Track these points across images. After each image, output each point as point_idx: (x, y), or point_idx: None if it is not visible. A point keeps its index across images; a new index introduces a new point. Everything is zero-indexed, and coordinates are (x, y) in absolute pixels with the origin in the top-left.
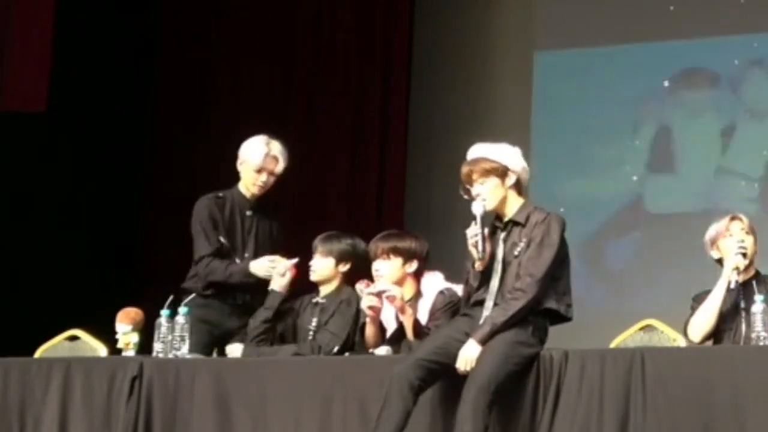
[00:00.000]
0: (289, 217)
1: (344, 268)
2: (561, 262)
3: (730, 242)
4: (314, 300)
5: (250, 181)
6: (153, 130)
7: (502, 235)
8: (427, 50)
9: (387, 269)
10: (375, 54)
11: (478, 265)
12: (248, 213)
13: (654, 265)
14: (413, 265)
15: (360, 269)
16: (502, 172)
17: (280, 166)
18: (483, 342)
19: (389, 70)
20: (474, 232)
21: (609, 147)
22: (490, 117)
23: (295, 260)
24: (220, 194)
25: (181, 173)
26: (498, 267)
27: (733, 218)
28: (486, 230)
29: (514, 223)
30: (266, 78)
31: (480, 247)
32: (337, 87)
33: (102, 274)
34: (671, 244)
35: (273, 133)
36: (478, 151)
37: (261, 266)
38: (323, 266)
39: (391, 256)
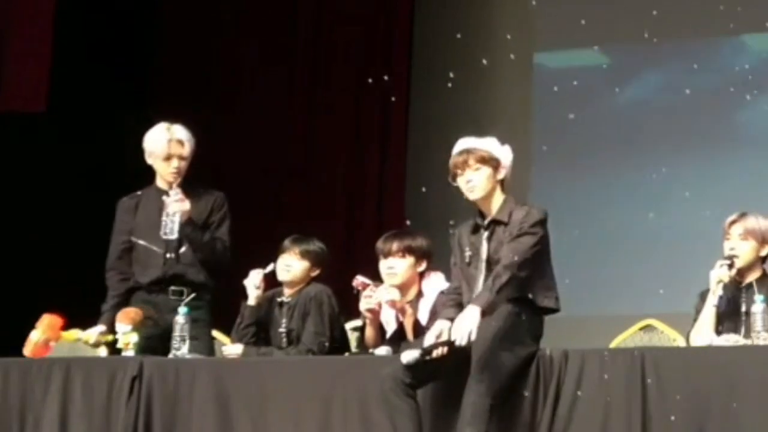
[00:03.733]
0: (290, 217)
1: (315, 272)
2: (544, 251)
3: (724, 246)
4: (279, 300)
5: (163, 172)
6: None
7: (486, 233)
8: (427, 50)
9: (402, 267)
10: (375, 54)
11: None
12: None
13: (655, 263)
14: (423, 265)
15: (324, 275)
16: (495, 164)
17: (186, 149)
18: (483, 306)
19: (389, 70)
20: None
21: (610, 147)
22: (490, 117)
23: (269, 269)
24: (138, 192)
25: None
26: (482, 266)
27: (733, 221)
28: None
29: (497, 222)
30: (267, 78)
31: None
32: (337, 86)
33: (102, 274)
34: (674, 242)
35: (273, 132)
36: (470, 142)
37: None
38: (299, 268)
39: (406, 255)
